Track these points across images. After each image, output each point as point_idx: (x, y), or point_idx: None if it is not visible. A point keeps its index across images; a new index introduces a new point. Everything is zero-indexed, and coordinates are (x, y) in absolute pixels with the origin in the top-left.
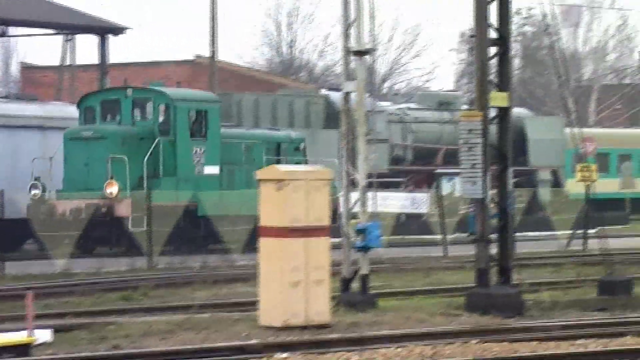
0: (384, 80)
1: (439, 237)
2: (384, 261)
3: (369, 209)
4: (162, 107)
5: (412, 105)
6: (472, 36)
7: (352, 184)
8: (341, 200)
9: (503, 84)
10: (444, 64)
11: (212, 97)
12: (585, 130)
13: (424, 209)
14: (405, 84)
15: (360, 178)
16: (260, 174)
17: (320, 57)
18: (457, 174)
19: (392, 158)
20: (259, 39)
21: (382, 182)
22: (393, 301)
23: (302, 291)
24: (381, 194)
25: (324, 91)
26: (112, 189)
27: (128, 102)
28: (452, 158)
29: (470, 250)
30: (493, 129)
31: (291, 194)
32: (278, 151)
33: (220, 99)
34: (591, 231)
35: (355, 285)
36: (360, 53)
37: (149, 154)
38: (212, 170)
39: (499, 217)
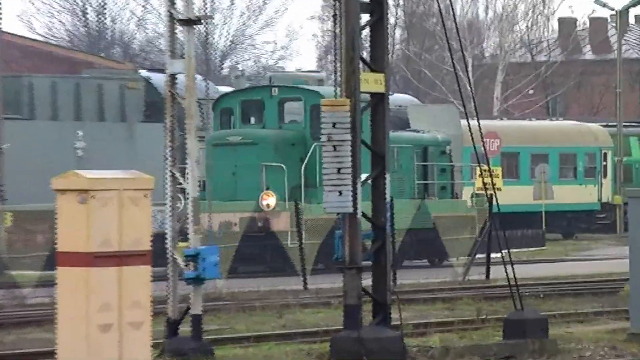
0: (223, 58)
1: (297, 264)
2: (223, 297)
3: (204, 227)
4: (314, 108)
5: None
6: None
7: (181, 195)
8: (166, 215)
9: (378, 63)
10: (302, 37)
11: (364, 96)
12: (488, 122)
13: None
14: (252, 62)
15: (191, 187)
16: (55, 182)
17: (139, 27)
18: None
19: None
20: (57, 3)
21: None
22: (235, 350)
23: (114, 337)
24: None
25: (143, 72)
26: (269, 200)
27: (273, 103)
28: None
29: (337, 282)
30: (366, 121)
31: (99, 208)
32: (425, 156)
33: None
34: (495, 255)
35: (185, 328)
36: (189, 22)
37: (306, 160)
38: (363, 177)
39: (374, 237)
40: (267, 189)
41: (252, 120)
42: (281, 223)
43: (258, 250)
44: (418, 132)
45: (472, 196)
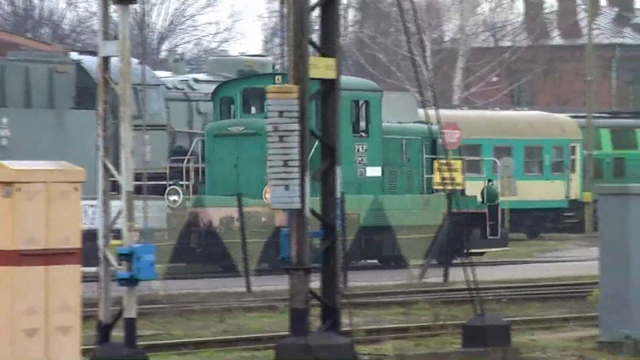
0: (161, 41)
1: (240, 264)
2: (160, 299)
3: (138, 224)
4: None
5: (201, 76)
6: None
7: (114, 189)
8: (98, 211)
9: (328, 47)
10: (247, 18)
11: (373, 85)
12: (448, 112)
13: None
14: (193, 45)
15: (125, 180)
16: None
17: (69, 6)
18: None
19: (173, 151)
20: None
21: (158, 185)
22: (172, 357)
23: (41, 342)
24: (158, 203)
25: (74, 55)
26: None
27: None
28: None
29: (283, 284)
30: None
31: (25, 202)
32: (434, 148)
33: (381, 88)
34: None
35: (117, 333)
36: (124, 0)
37: (312, 152)
38: (374, 172)
39: (323, 235)
40: None
41: (254, 109)
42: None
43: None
44: (426, 123)
45: (482, 191)
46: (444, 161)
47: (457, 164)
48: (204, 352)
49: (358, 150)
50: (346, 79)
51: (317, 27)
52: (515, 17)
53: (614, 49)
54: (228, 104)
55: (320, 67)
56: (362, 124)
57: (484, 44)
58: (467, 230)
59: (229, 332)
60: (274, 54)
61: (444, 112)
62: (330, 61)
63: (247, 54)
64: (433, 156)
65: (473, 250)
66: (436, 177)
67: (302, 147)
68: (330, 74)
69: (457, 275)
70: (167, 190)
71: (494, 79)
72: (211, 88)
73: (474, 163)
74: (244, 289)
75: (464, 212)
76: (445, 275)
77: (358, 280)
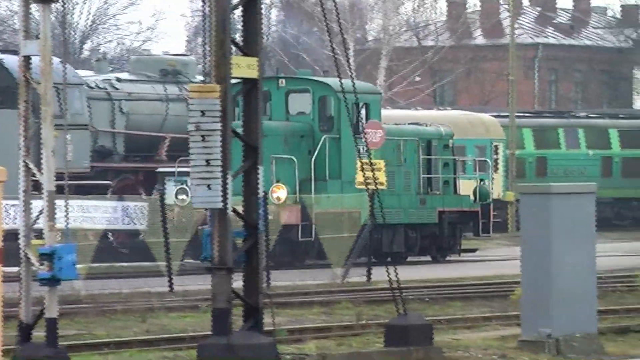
0: (84, 40)
1: (162, 264)
2: (82, 299)
3: (60, 224)
4: (322, 100)
5: (124, 76)
6: None
7: (35, 189)
8: (18, 211)
9: (251, 46)
10: (170, 17)
11: (373, 87)
12: None
13: (141, 224)
14: (115, 44)
15: (46, 180)
16: None
17: None
18: (188, 173)
19: (95, 151)
20: None
21: (80, 185)
22: (94, 356)
23: None
24: (79, 203)
25: None
26: (280, 193)
27: (280, 94)
28: (181, 151)
29: (206, 283)
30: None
31: None
32: (429, 149)
33: (380, 91)
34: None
35: (39, 333)
36: None
37: (316, 153)
38: None
39: (245, 235)
40: (278, 181)
41: None
42: (292, 216)
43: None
44: (421, 125)
45: (474, 190)
46: (366, 160)
47: (380, 163)
48: (126, 352)
49: (359, 150)
50: (347, 83)
51: (240, 26)
52: (438, 17)
53: (536, 49)
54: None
55: (243, 67)
56: (362, 125)
57: (406, 44)
58: (460, 228)
59: (151, 332)
60: (197, 54)
61: None
62: (253, 60)
63: (170, 53)
64: (428, 156)
65: (464, 248)
66: (359, 177)
67: (224, 147)
68: (253, 74)
69: (380, 275)
70: (175, 190)
71: (417, 78)
72: (133, 87)
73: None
74: (166, 289)
75: (458, 211)
76: (368, 275)
77: (281, 280)
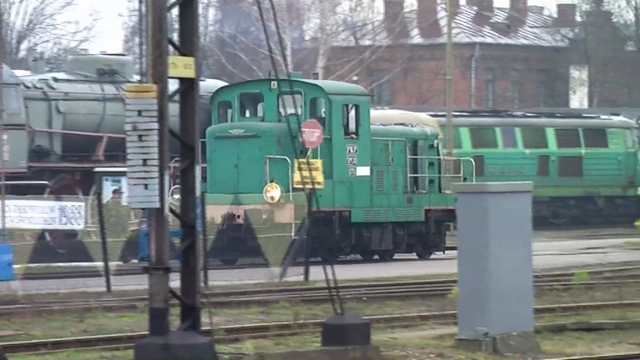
0: (20, 40)
1: (100, 264)
2: (18, 299)
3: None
4: (314, 102)
5: (61, 75)
6: None
7: None
8: None
9: (187, 46)
10: (107, 17)
11: (362, 90)
12: None
13: (78, 224)
14: (52, 44)
15: None
16: None
17: None
18: (125, 173)
19: (32, 151)
20: None
21: (17, 185)
22: (30, 357)
23: None
24: (16, 203)
25: None
26: (274, 192)
27: (272, 96)
28: (119, 151)
29: (143, 283)
30: (175, 108)
31: None
32: (415, 149)
33: (369, 93)
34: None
35: None
36: None
37: (308, 154)
38: (363, 171)
39: (183, 235)
40: (272, 181)
41: (248, 113)
42: (285, 215)
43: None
44: (407, 125)
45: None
46: (303, 160)
47: (318, 162)
48: (64, 352)
49: (349, 151)
50: (337, 84)
51: (177, 26)
52: (375, 17)
53: (473, 48)
54: (225, 108)
55: (179, 66)
56: (352, 126)
57: (344, 43)
58: (445, 226)
59: (88, 332)
60: (134, 53)
61: None
62: (190, 60)
63: (107, 53)
64: (414, 156)
65: (449, 246)
66: (296, 176)
67: (161, 146)
68: (189, 73)
69: (317, 274)
70: (171, 189)
71: (355, 77)
72: (70, 87)
73: None
74: (104, 289)
75: (444, 209)
76: (306, 274)
77: (218, 280)
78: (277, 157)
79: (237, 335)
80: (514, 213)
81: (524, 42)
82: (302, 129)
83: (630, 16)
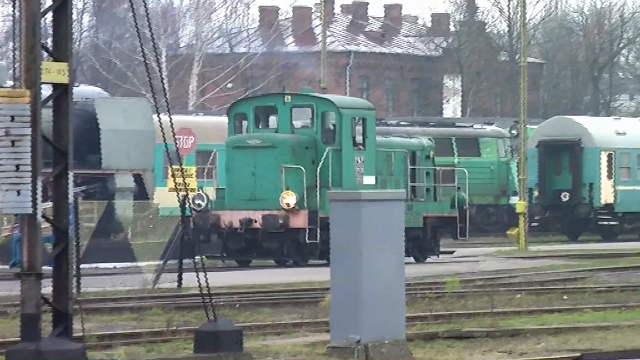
0: None
1: None
2: None
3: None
4: (324, 115)
5: None
6: None
7: None
8: None
9: (61, 51)
10: None
11: (368, 104)
12: (182, 117)
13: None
14: None
15: None
16: None
17: None
18: None
19: None
20: None
21: None
22: None
23: None
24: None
25: None
26: (289, 199)
27: (286, 109)
28: None
29: (15, 289)
30: (49, 114)
31: None
32: (414, 160)
33: (374, 107)
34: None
35: None
36: None
37: (321, 163)
38: (369, 180)
39: (55, 241)
40: (287, 189)
41: (262, 124)
42: (300, 220)
43: (277, 246)
44: (405, 137)
45: (452, 198)
46: (177, 166)
47: (192, 169)
48: None
49: (357, 161)
50: (346, 99)
51: (51, 31)
52: (250, 24)
53: (348, 56)
54: (241, 120)
55: (53, 72)
56: (360, 138)
57: (219, 50)
58: (440, 231)
59: None
60: (8, 58)
61: (179, 118)
62: (63, 66)
63: None
64: (413, 167)
65: (443, 250)
66: (169, 183)
67: (34, 152)
68: (63, 79)
69: (191, 280)
70: (192, 195)
71: (229, 85)
72: None
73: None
74: None
75: (439, 216)
76: (179, 281)
77: (91, 286)
78: (292, 166)
79: (110, 341)
80: (387, 221)
81: (398, 51)
82: (177, 136)
83: (504, 26)
